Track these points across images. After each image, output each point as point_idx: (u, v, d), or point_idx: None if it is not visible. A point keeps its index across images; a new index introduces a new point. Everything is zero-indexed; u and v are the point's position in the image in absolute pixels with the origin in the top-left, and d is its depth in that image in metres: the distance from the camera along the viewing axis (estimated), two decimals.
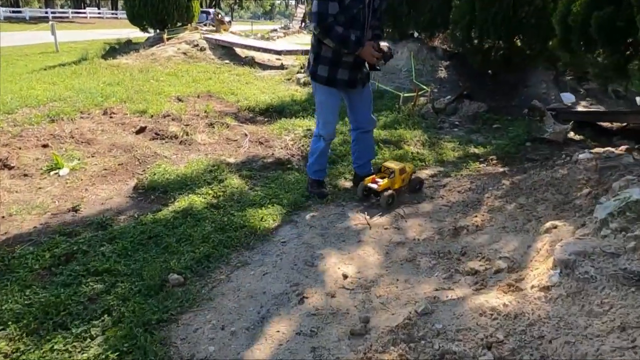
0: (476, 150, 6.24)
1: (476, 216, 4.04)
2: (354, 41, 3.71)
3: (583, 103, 8.59)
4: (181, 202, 4.26)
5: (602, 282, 2.34)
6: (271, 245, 3.64)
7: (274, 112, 7.94)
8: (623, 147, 5.79)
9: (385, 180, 4.32)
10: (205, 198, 4.40)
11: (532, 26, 8.02)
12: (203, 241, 3.56)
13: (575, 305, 2.31)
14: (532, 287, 2.61)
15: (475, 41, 8.67)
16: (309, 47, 4.32)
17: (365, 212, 4.14)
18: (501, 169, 5.40)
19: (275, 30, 32.78)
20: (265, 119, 7.65)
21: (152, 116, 7.12)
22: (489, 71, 8.95)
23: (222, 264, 3.33)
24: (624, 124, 6.55)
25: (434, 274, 3.20)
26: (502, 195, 4.34)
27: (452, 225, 3.88)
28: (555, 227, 3.23)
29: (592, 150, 5.01)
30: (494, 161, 5.77)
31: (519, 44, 8.66)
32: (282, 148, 6.07)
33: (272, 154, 5.83)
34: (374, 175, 4.46)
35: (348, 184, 4.83)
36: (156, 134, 6.35)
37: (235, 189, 4.61)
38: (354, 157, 4.70)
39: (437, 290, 2.96)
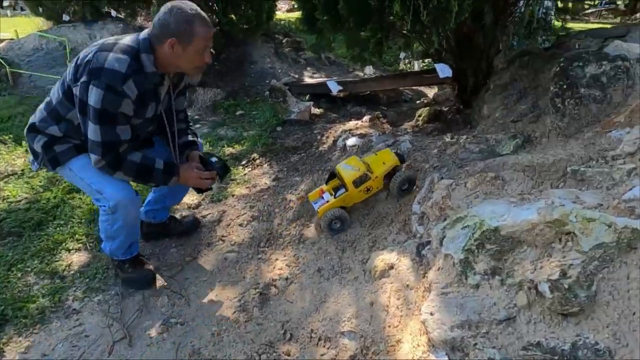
0: (232, 150, 5.12)
1: (277, 259, 3.00)
2: (162, 170, 2.48)
3: (306, 73, 8.39)
4: None
5: None
6: None
7: None
8: (366, 118, 5.66)
9: (331, 199, 3.07)
10: None
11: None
12: None
13: None
14: None
15: None
16: None
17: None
18: (271, 172, 4.45)
19: None
20: None
21: None
22: (211, 50, 7.74)
23: None
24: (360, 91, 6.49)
25: None
26: (293, 218, 3.40)
27: (254, 287, 2.72)
28: (392, 266, 2.46)
29: (356, 132, 4.57)
30: (257, 160, 4.79)
31: (234, 17, 7.70)
32: None
33: None
34: (322, 187, 3.23)
35: None
36: None
37: None
38: (150, 198, 3.15)
39: None
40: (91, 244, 3.20)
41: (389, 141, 3.96)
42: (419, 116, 4.91)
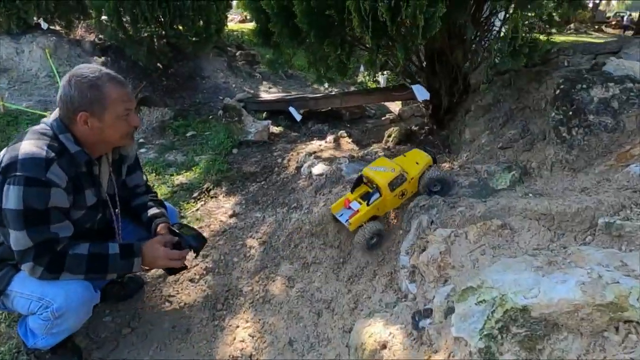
0: (182, 178, 4.46)
1: (238, 327, 2.41)
2: (120, 254, 1.92)
3: (262, 88, 7.81)
4: None
5: None
6: None
7: None
8: (330, 138, 5.16)
9: (363, 206, 2.49)
10: None
11: (193, 9, 6.48)
12: None
13: None
14: None
15: (131, 30, 6.57)
16: None
17: None
18: (227, 205, 3.84)
19: None
20: None
21: None
22: (159, 65, 7.04)
23: None
24: (318, 108, 5.98)
25: None
26: (255, 269, 2.82)
27: None
28: (384, 345, 1.93)
29: (321, 156, 4.05)
30: (212, 191, 4.16)
31: (182, 29, 7.03)
32: None
33: None
34: (347, 196, 2.65)
35: None
36: None
37: None
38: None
39: None
40: None
41: (361, 168, 3.46)
42: (389, 136, 4.46)
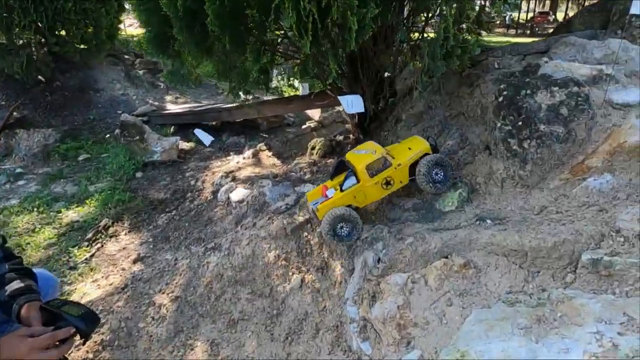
0: (73, 215, 3.67)
1: None
2: None
3: (168, 98, 7.02)
4: None
5: None
6: None
7: None
8: (249, 153, 4.61)
9: (337, 193, 2.11)
10: None
11: (77, 12, 5.56)
12: None
13: None
14: None
15: (3, 38, 5.51)
16: None
17: None
18: (131, 246, 3.16)
19: None
20: None
21: None
22: (40, 77, 5.97)
23: None
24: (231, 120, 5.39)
25: None
26: (168, 335, 2.22)
27: None
28: None
29: (240, 176, 3.50)
30: (111, 229, 3.44)
31: (66, 35, 6.04)
32: None
33: None
34: (325, 184, 2.32)
35: None
36: None
37: None
38: None
39: None
40: None
41: (287, 192, 3.00)
42: (312, 148, 4.04)
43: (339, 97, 2.60)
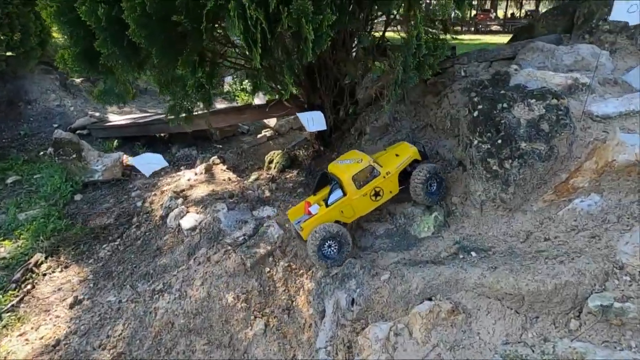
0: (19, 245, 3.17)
1: None
2: None
3: (111, 108, 6.47)
4: None
5: None
6: None
7: None
8: (201, 168, 4.24)
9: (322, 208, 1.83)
10: None
11: (1, 17, 4.95)
12: None
13: None
14: None
15: None
16: None
17: None
18: (67, 286, 2.74)
19: None
20: None
21: None
22: None
23: None
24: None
25: None
26: None
27: None
28: None
29: (191, 197, 3.14)
30: (44, 265, 2.99)
31: None
32: None
33: None
34: (307, 200, 2.05)
35: None
36: None
37: None
38: None
39: None
40: None
41: (245, 217, 2.69)
42: (270, 162, 3.74)
43: (297, 115, 2.33)
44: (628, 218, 1.57)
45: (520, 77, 2.09)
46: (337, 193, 1.93)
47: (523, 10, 24.03)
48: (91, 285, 2.75)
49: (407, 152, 2.07)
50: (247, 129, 5.65)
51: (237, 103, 6.60)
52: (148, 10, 2.00)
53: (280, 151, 3.78)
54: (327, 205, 1.91)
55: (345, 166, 1.95)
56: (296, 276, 2.06)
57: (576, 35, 2.54)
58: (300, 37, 1.99)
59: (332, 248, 1.87)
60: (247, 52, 1.94)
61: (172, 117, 2.74)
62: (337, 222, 1.92)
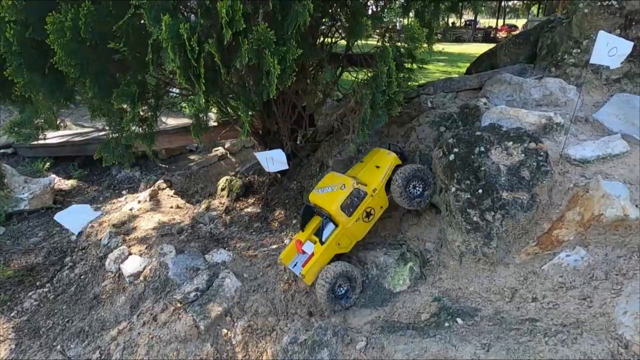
0: None
1: None
2: None
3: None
4: None
5: None
6: None
7: None
8: (145, 194, 3.82)
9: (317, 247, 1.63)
10: None
11: None
12: None
13: None
14: None
15: None
16: None
17: None
18: None
19: None
20: None
21: None
22: None
23: None
24: None
25: None
26: None
27: None
28: None
29: (133, 230, 2.77)
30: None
31: None
32: None
33: None
34: (296, 238, 1.79)
35: None
36: None
37: None
38: None
39: None
40: None
41: (196, 263, 2.37)
42: (223, 189, 3.42)
43: (255, 155, 2.07)
44: (616, 275, 1.46)
45: (492, 115, 1.96)
46: (330, 227, 1.77)
47: (462, 20, 25.02)
48: (12, 346, 2.31)
49: (386, 161, 1.92)
50: (196, 147, 5.26)
51: (183, 114, 6.17)
52: (83, 35, 1.66)
53: (233, 177, 3.47)
54: (322, 243, 1.74)
55: (329, 195, 1.78)
56: (258, 338, 1.80)
57: (540, 67, 2.48)
58: (261, 71, 1.73)
59: (342, 288, 1.72)
60: (199, 94, 1.65)
61: (106, 154, 2.36)
62: (336, 255, 1.78)
